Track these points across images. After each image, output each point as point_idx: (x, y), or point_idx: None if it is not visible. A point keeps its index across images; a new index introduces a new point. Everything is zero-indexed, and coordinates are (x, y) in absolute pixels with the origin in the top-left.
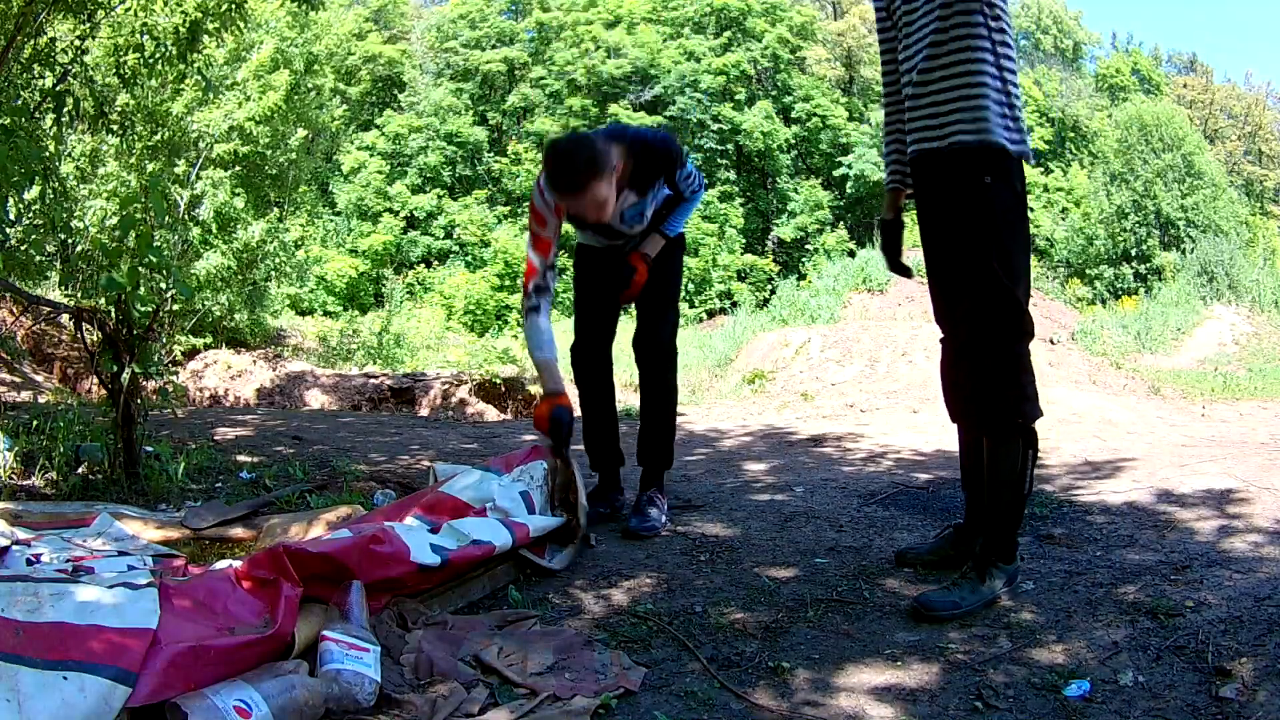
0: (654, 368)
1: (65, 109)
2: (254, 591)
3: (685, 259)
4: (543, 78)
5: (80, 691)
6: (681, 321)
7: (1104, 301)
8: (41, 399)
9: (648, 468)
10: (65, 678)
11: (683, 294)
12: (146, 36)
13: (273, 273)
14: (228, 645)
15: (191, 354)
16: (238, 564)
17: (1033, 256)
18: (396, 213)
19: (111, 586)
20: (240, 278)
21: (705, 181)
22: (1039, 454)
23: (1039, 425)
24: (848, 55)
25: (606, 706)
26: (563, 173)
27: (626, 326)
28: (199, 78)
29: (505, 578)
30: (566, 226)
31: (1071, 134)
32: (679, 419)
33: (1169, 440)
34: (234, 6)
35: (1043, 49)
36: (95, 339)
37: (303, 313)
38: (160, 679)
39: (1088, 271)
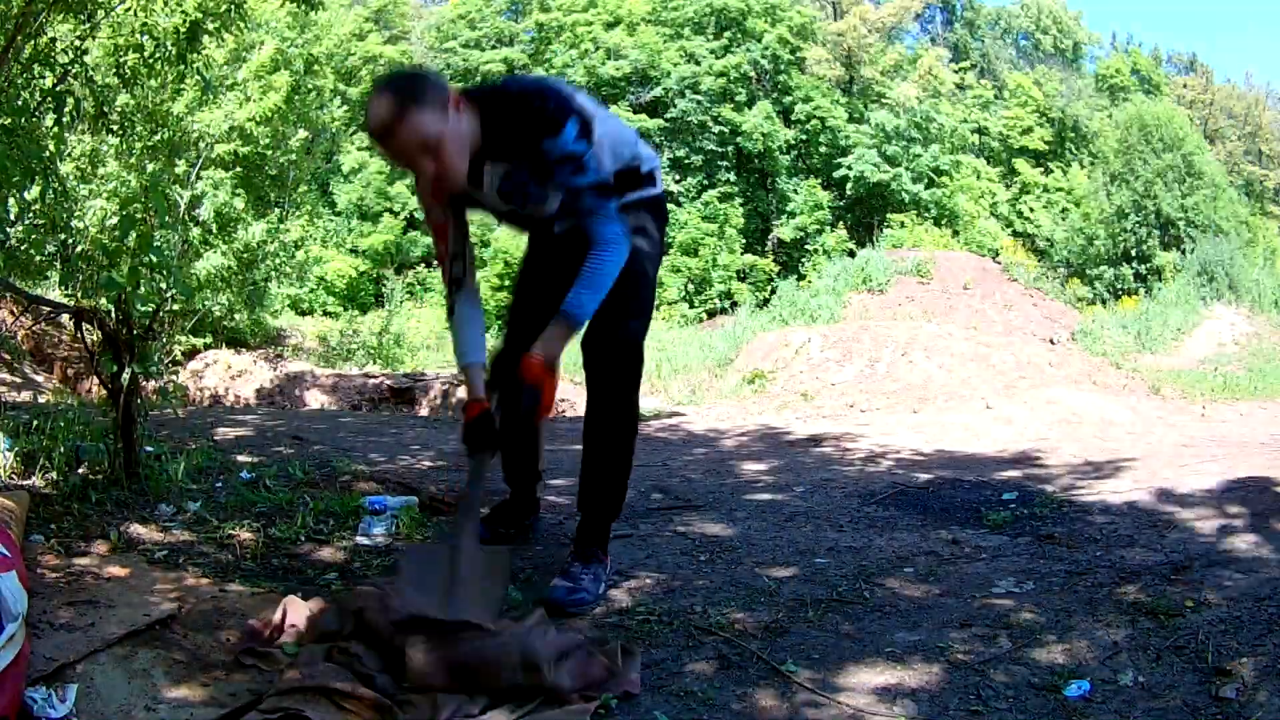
0: (606, 374)
1: (65, 109)
2: None
3: (685, 259)
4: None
5: None
6: (681, 321)
7: (1104, 301)
8: (41, 399)
9: (585, 516)
10: None
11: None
12: (146, 36)
13: (273, 273)
14: None
15: (191, 354)
16: None
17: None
18: (396, 213)
19: None
20: (240, 278)
21: (605, 174)
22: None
23: (1042, 425)
24: (848, 55)
25: (606, 707)
26: (369, 110)
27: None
28: (199, 78)
29: None
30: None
31: (1071, 134)
32: (677, 419)
33: (1169, 440)
34: (234, 6)
35: (1043, 49)
36: (95, 339)
37: (303, 313)
38: None
39: (1088, 271)
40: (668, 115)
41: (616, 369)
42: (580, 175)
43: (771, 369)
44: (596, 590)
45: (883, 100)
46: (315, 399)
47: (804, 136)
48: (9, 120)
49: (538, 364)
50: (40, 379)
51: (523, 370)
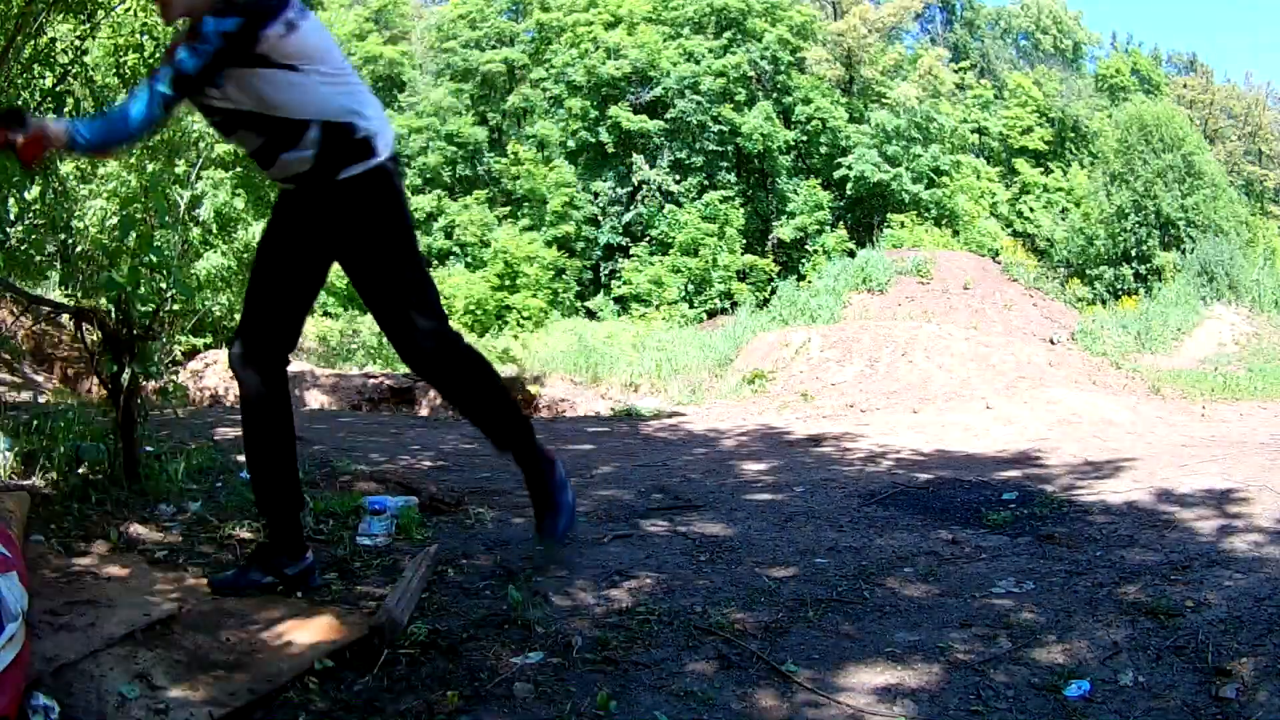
0: (440, 379)
1: (65, 109)
2: None
3: (685, 259)
4: (543, 79)
5: None
6: (681, 321)
7: (1104, 301)
8: (41, 399)
9: (513, 452)
10: None
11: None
12: (146, 36)
13: None
14: None
15: (192, 354)
16: None
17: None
18: None
19: None
20: (240, 278)
21: (192, 71)
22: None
23: (1042, 425)
24: (848, 55)
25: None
26: None
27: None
28: None
29: None
30: None
31: (1071, 134)
32: (678, 419)
33: (1169, 440)
34: None
35: (1043, 49)
36: (95, 339)
37: None
38: None
39: (1088, 271)
40: (668, 115)
41: (442, 374)
42: (188, 57)
43: (771, 369)
44: (570, 495)
45: (883, 100)
46: (315, 399)
47: (804, 137)
48: None
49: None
50: (40, 379)
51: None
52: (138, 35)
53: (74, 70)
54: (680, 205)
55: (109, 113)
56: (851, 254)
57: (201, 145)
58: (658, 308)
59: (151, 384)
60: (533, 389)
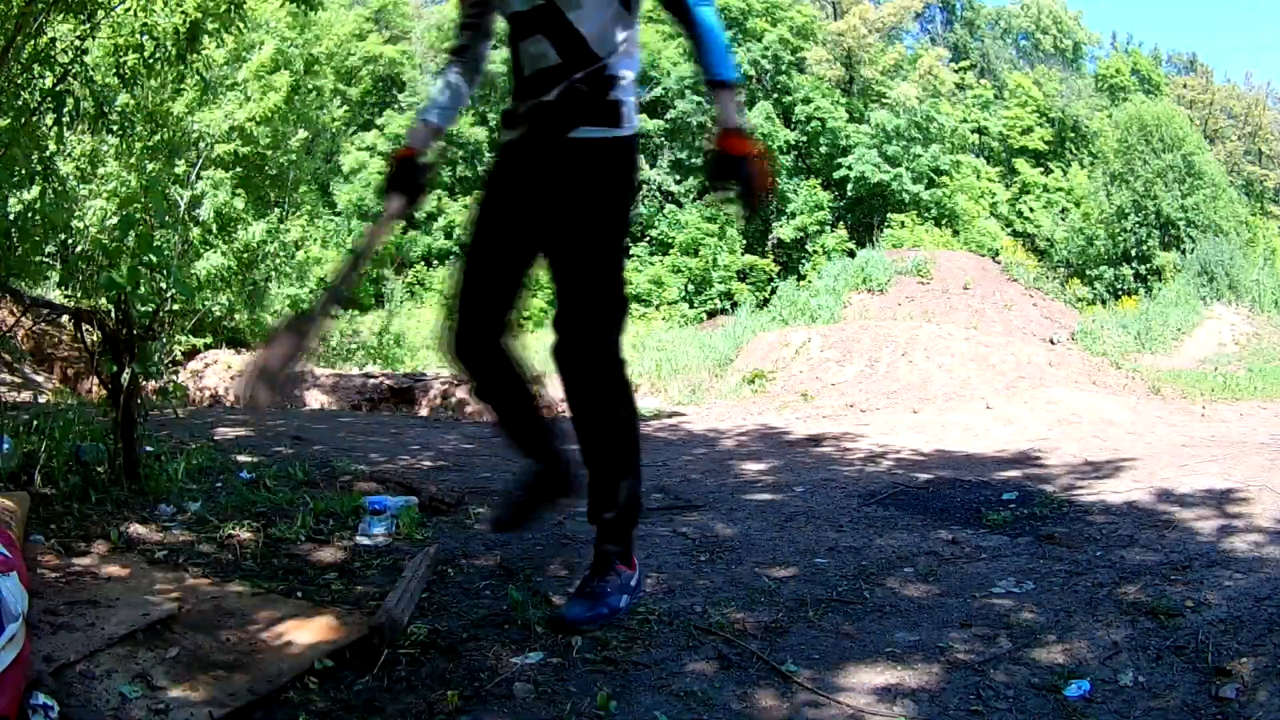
0: (581, 388)
1: (65, 109)
2: None
3: (685, 259)
4: None
5: None
6: (681, 321)
7: (1104, 301)
8: (41, 399)
9: (600, 528)
10: None
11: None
12: (146, 36)
13: (273, 273)
14: None
15: (191, 354)
16: None
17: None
18: None
19: None
20: (240, 278)
21: None
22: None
23: (1042, 425)
24: (848, 55)
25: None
26: None
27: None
28: (199, 78)
29: None
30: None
31: (1071, 134)
32: (678, 419)
33: (1169, 440)
34: (234, 6)
35: (1043, 49)
36: (95, 339)
37: None
38: None
39: (1088, 271)
40: (668, 115)
41: (589, 384)
42: None
43: (771, 369)
44: (623, 600)
45: (883, 100)
46: (315, 399)
47: (804, 137)
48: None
49: (732, 135)
50: (40, 379)
51: (724, 143)
52: (138, 35)
53: (74, 70)
54: (680, 205)
55: (710, 39)
56: (851, 254)
57: (201, 145)
58: (658, 308)
59: (151, 384)
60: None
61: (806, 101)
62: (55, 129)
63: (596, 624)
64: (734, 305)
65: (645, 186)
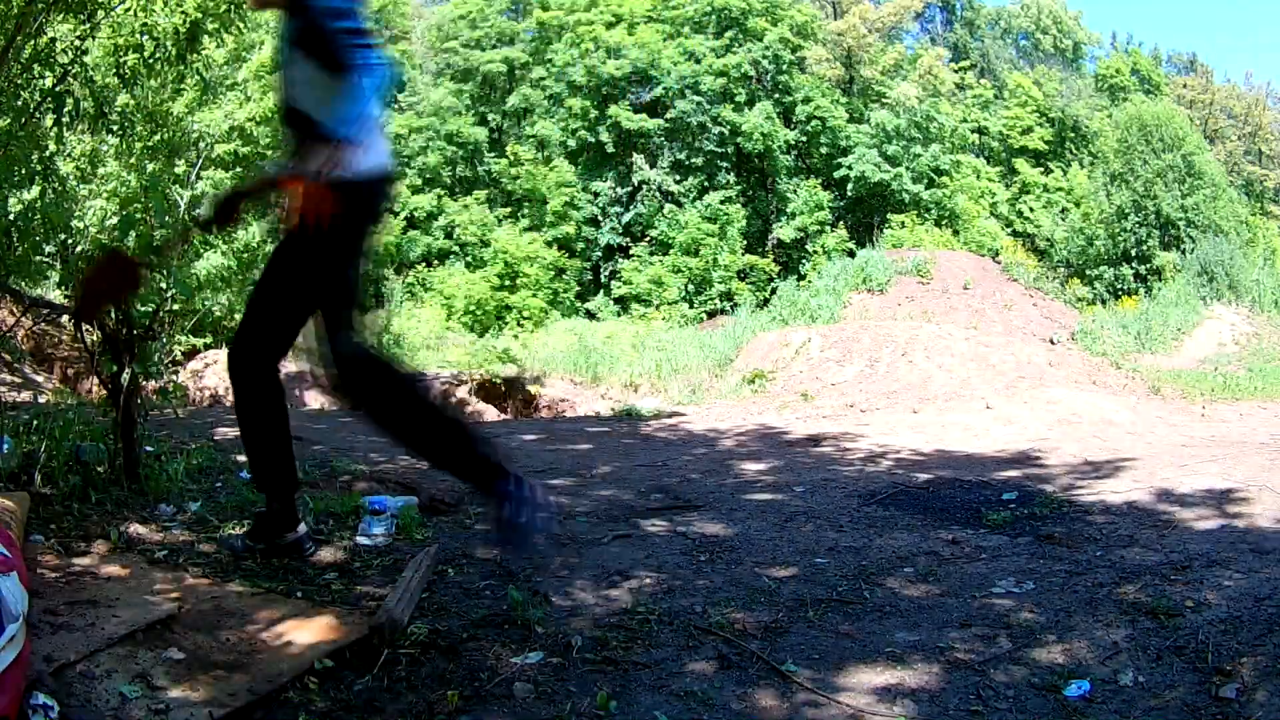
0: (357, 398)
1: (65, 109)
2: None
3: (685, 259)
4: (543, 78)
5: None
6: (681, 321)
7: (1104, 301)
8: (41, 399)
9: (474, 486)
10: None
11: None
12: (146, 36)
13: None
14: None
15: (191, 354)
16: None
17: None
18: (396, 213)
19: None
20: (240, 278)
21: (379, 58)
22: None
23: (1042, 425)
24: (848, 55)
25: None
26: None
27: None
28: (199, 78)
29: None
30: None
31: (1071, 134)
32: (678, 419)
33: (1169, 440)
34: (234, 6)
35: (1043, 49)
36: (95, 339)
37: None
38: None
39: (1088, 271)
40: (668, 115)
41: (356, 393)
42: (337, 18)
43: (771, 369)
44: (541, 498)
45: (883, 100)
46: (315, 399)
47: (804, 137)
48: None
49: (291, 178)
50: (40, 379)
51: (285, 184)
52: (138, 35)
53: (74, 70)
54: (680, 205)
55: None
56: (851, 254)
57: (201, 145)
58: (658, 308)
59: (151, 384)
60: (533, 389)
61: (806, 101)
62: (55, 129)
63: (542, 531)
64: (734, 305)
65: (645, 186)
